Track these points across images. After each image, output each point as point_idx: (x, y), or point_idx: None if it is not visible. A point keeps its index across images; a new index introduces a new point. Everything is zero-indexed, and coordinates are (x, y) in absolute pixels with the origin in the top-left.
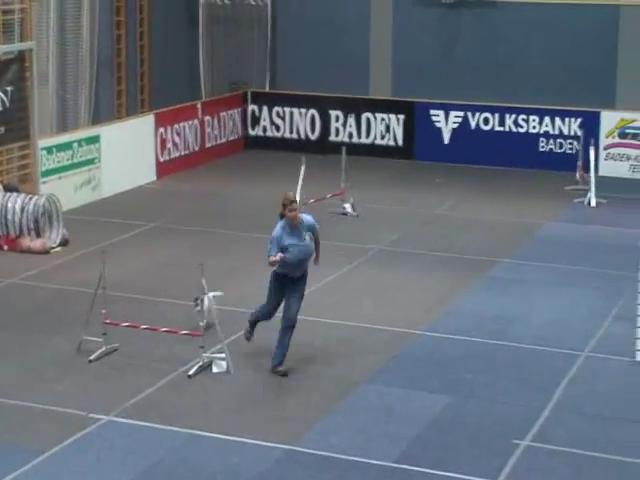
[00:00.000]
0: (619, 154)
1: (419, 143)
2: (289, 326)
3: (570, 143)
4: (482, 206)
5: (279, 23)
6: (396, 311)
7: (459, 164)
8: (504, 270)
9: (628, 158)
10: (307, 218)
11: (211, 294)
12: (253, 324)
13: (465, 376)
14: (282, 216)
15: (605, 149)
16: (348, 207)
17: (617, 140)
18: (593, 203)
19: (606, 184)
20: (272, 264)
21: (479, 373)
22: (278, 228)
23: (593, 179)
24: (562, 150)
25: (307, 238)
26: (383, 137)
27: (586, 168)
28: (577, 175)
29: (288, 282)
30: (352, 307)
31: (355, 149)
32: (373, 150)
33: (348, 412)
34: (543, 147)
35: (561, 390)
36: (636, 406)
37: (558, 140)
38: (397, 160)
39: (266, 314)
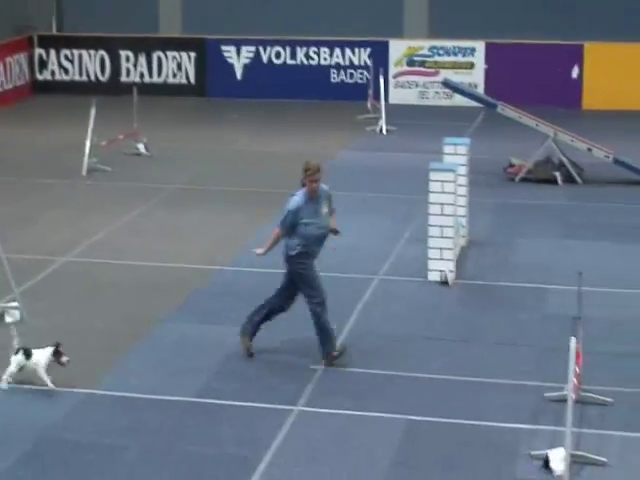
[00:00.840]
0: (408, 82)
1: (211, 80)
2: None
3: (361, 73)
4: (277, 140)
5: None
6: (194, 249)
7: (253, 99)
8: None
9: (417, 85)
10: (324, 187)
11: None
12: (255, 329)
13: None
14: (303, 184)
15: (394, 77)
16: (141, 147)
17: (406, 68)
18: (384, 131)
19: (396, 111)
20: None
21: None
22: (298, 199)
23: (383, 107)
24: (353, 80)
25: (325, 210)
26: (175, 75)
27: (377, 97)
28: (368, 104)
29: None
30: (148, 247)
31: (147, 89)
32: (165, 89)
33: (146, 351)
34: (335, 78)
35: (357, 313)
36: (429, 324)
37: (349, 71)
38: (190, 98)
39: (280, 306)
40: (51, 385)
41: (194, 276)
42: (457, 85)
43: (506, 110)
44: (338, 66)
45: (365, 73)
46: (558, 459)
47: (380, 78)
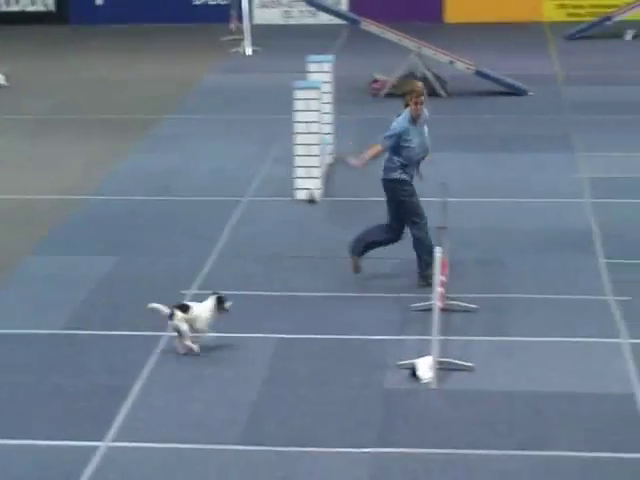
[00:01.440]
0: (272, 1)
1: (72, 7)
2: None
3: None
4: (141, 65)
5: None
6: (57, 180)
7: (116, 25)
8: (166, 126)
9: (280, 4)
10: (425, 111)
11: None
12: (365, 249)
13: (131, 236)
14: (406, 105)
15: None
16: (1, 79)
17: None
18: (248, 52)
19: (261, 32)
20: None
21: (144, 231)
22: (403, 121)
23: (247, 28)
24: (215, 2)
25: (427, 134)
26: (34, 3)
27: (240, 18)
28: (231, 25)
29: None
30: (9, 180)
31: (4, 18)
32: (24, 18)
33: (12, 286)
34: (196, 0)
35: (225, 237)
36: (297, 242)
37: None
38: (50, 26)
39: (394, 240)
40: (214, 334)
41: (57, 207)
42: (320, 3)
43: (369, 26)
44: None
45: None
46: (425, 367)
47: None
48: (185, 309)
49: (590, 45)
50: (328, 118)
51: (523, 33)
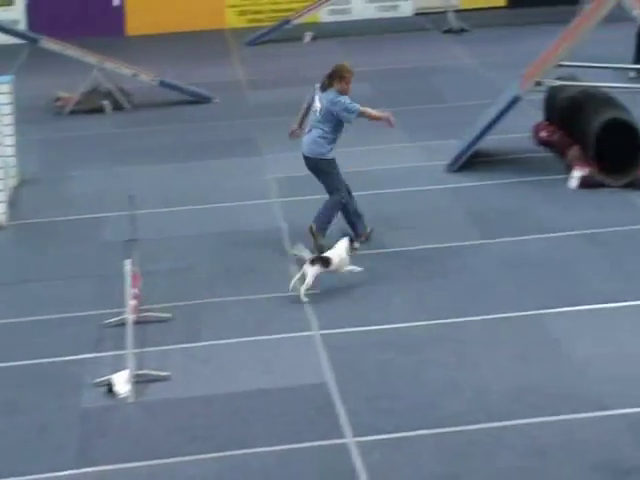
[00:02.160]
0: None
1: None
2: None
3: None
4: None
5: None
6: None
7: None
8: None
9: None
10: None
11: None
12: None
13: None
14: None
15: None
16: None
17: None
18: None
19: None
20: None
21: None
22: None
23: None
24: None
25: None
26: None
27: None
28: None
29: None
30: None
31: None
32: None
33: None
34: None
35: None
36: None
37: None
38: None
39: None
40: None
41: None
42: None
43: (49, 44)
44: None
45: None
46: (122, 382)
47: None
48: (327, 264)
49: (272, 49)
50: (10, 140)
51: (206, 41)
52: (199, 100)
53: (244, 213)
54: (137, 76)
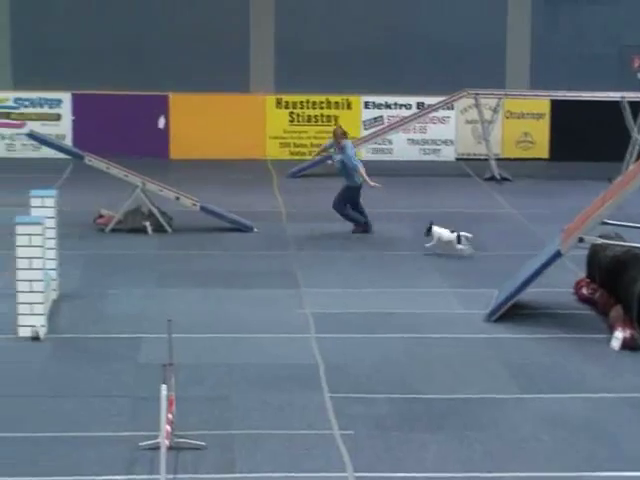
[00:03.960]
0: None
1: None
2: None
3: None
4: None
5: None
6: None
7: None
8: None
9: (3, 137)
10: None
11: None
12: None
13: None
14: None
15: None
16: None
17: None
18: None
19: None
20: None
21: None
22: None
23: None
24: None
25: None
26: None
27: None
28: None
29: None
30: None
31: None
32: None
33: None
34: None
35: None
36: (22, 381)
37: None
38: None
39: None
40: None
41: None
42: (43, 137)
43: (94, 161)
44: None
45: None
46: None
47: None
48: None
49: (312, 183)
50: (52, 253)
51: (247, 170)
52: (239, 228)
53: (280, 346)
54: (179, 199)
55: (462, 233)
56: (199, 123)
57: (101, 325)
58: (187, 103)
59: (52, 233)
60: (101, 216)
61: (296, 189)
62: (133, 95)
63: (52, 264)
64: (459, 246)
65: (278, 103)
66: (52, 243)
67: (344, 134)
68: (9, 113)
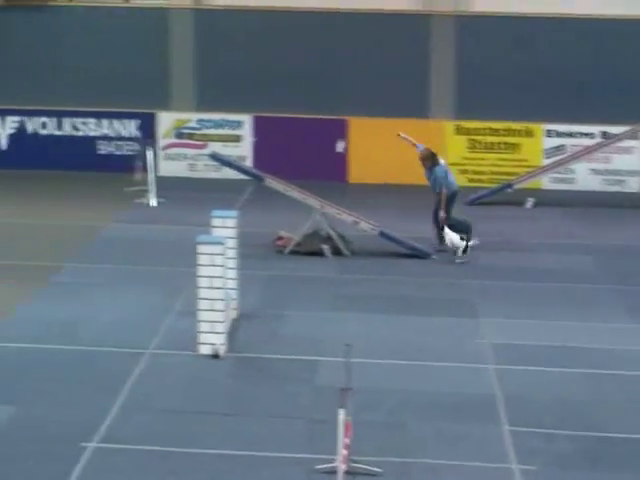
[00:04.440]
0: (176, 154)
1: None
2: None
3: (129, 145)
4: (44, 211)
5: None
6: None
7: (20, 169)
8: (68, 274)
9: (185, 157)
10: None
11: None
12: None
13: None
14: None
15: (163, 149)
16: None
17: (174, 140)
18: (153, 203)
19: (166, 183)
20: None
21: (44, 380)
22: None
23: (152, 179)
24: (122, 152)
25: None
26: None
27: (145, 169)
28: (137, 176)
29: None
30: None
31: None
32: None
33: None
34: (102, 150)
35: (127, 389)
36: (201, 398)
37: (117, 142)
38: None
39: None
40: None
41: None
42: (224, 158)
43: (273, 183)
44: (106, 137)
45: (134, 144)
46: None
47: (148, 150)
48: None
49: (491, 211)
50: (232, 273)
51: (425, 197)
52: (417, 255)
53: (458, 375)
54: (357, 224)
55: (470, 243)
56: (378, 147)
57: (279, 346)
58: (366, 127)
59: (232, 253)
60: (280, 238)
61: (474, 217)
62: (312, 118)
63: (232, 283)
64: (459, 254)
65: (457, 129)
66: (232, 263)
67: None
68: (192, 134)
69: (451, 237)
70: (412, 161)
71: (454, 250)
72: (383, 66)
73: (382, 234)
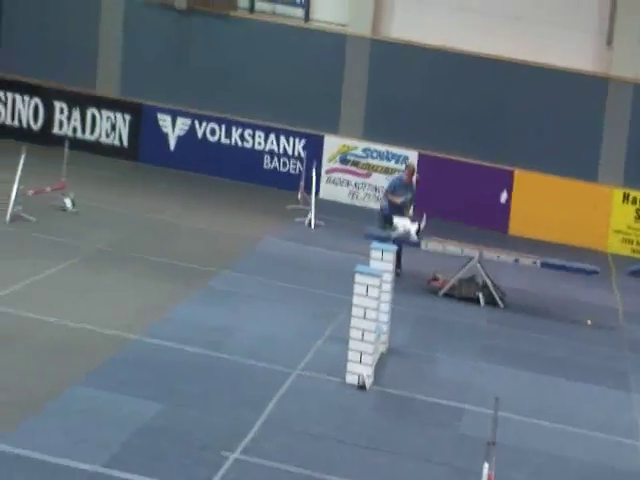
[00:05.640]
0: (340, 179)
1: (145, 146)
2: None
3: (294, 163)
4: (205, 216)
5: (4, 3)
6: (111, 314)
7: (184, 171)
8: (223, 281)
9: (348, 184)
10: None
11: None
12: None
13: (179, 386)
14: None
15: (327, 173)
16: (68, 202)
17: (338, 165)
18: (313, 224)
19: (326, 207)
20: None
21: (193, 383)
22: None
23: (313, 201)
24: (286, 169)
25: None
26: (108, 135)
27: (308, 189)
28: (299, 195)
29: None
30: (65, 306)
31: (79, 144)
32: (98, 147)
33: (55, 413)
34: (267, 164)
35: (272, 406)
36: (343, 426)
37: (282, 159)
38: (122, 160)
39: None
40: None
41: (108, 342)
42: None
43: (431, 243)
44: (272, 152)
45: (298, 164)
46: None
47: (312, 171)
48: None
49: None
50: (386, 307)
51: (585, 260)
52: (582, 271)
53: (604, 446)
54: (518, 261)
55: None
56: (542, 203)
57: (425, 387)
58: (532, 181)
59: (388, 287)
60: (436, 279)
61: (636, 288)
62: (479, 165)
63: (384, 317)
64: (414, 236)
65: (625, 197)
66: (387, 297)
67: None
68: (357, 162)
69: (403, 223)
70: (575, 223)
71: (407, 234)
72: (555, 123)
73: (543, 264)
